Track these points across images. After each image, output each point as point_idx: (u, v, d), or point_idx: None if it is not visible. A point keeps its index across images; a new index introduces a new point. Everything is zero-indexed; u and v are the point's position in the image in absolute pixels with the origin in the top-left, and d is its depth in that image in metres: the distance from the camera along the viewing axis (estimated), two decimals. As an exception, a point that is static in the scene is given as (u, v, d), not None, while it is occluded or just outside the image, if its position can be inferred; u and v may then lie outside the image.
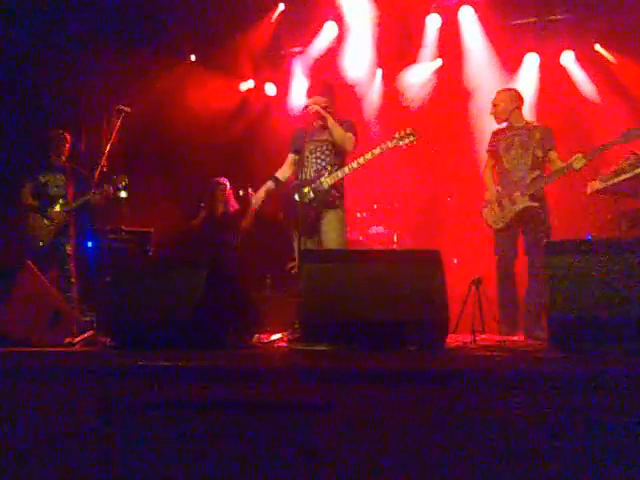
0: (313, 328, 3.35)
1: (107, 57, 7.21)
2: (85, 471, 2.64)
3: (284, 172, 4.89)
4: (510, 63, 7.26)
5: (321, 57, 7.72)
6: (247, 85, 8.16)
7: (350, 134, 4.67)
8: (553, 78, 7.22)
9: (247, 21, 7.49)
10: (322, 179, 4.57)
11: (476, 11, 7.19)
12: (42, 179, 5.58)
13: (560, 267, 3.15)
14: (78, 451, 2.67)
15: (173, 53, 7.74)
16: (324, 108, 4.66)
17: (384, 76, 7.84)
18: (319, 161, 4.65)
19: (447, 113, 7.34)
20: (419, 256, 3.57)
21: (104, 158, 5.60)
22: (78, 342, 4.01)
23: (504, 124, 4.86)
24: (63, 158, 5.76)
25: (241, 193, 6.61)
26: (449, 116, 7.32)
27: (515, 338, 4.35)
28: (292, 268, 5.39)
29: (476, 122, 7.10)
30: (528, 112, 7.06)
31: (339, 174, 4.59)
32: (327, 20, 7.53)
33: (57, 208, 5.45)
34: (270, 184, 4.83)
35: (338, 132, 4.59)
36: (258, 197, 4.83)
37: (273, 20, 7.58)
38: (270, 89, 8.20)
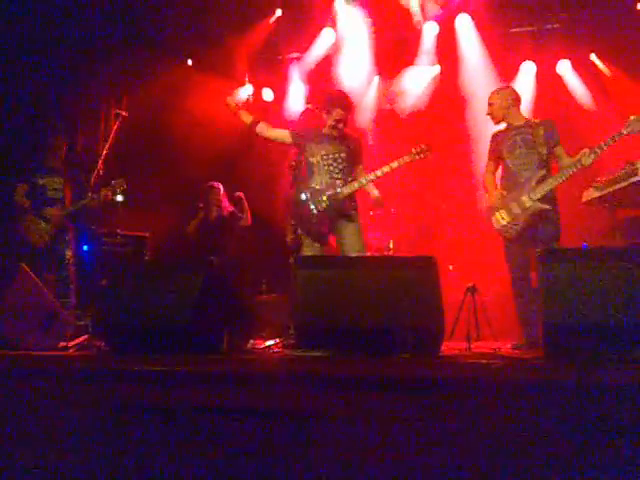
0: (308, 334, 3.35)
1: (104, 60, 7.22)
2: (77, 473, 2.63)
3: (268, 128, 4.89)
4: (507, 71, 7.28)
5: (319, 63, 7.73)
6: (247, 91, 8.16)
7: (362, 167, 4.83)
8: (549, 87, 7.25)
9: (244, 26, 7.50)
10: (339, 189, 4.60)
11: (473, 19, 7.23)
12: (40, 181, 5.49)
13: (555, 275, 3.16)
14: (70, 453, 2.66)
15: (170, 57, 7.74)
16: (339, 121, 4.65)
17: (381, 82, 7.86)
18: (332, 168, 4.65)
19: (444, 120, 7.36)
20: (415, 262, 3.57)
21: (101, 162, 5.60)
22: (73, 346, 4.00)
23: (503, 125, 4.68)
24: (60, 161, 5.67)
25: (241, 195, 6.64)
26: (445, 123, 7.34)
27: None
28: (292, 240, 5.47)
29: (472, 129, 7.13)
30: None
31: (356, 185, 4.63)
32: (325, 26, 7.55)
33: (53, 210, 5.37)
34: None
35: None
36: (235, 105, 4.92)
37: (270, 25, 7.60)
38: (267, 94, 8.21)
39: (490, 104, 4.69)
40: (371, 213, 6.78)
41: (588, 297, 3.06)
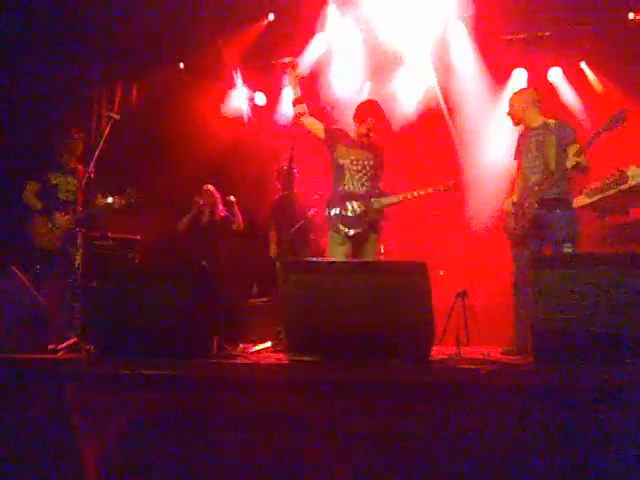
0: (298, 339, 3.34)
1: (96, 63, 7.22)
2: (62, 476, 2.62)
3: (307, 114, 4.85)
4: (499, 78, 7.31)
5: (311, 68, 7.74)
6: (241, 95, 8.15)
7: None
8: (541, 94, 7.28)
9: (237, 30, 7.50)
10: (374, 199, 4.67)
11: (466, 26, 7.25)
12: (53, 180, 5.35)
13: (546, 281, 3.17)
14: (56, 457, 2.64)
15: (162, 61, 7.74)
16: (370, 130, 4.70)
17: (373, 89, 7.87)
18: (360, 175, 4.69)
19: (435, 126, 7.38)
20: (405, 267, 3.56)
21: (92, 165, 5.57)
22: (62, 349, 3.97)
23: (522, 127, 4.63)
24: (75, 160, 5.54)
25: (232, 199, 6.64)
26: (437, 129, 7.37)
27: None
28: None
29: (463, 134, 7.17)
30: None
31: (393, 199, 4.74)
32: (317, 32, 7.56)
33: (64, 216, 5.20)
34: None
35: None
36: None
37: (263, 30, 7.60)
38: (260, 98, 8.21)
39: (510, 105, 4.68)
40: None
41: (578, 303, 3.07)
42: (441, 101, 7.46)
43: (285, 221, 5.94)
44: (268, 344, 4.39)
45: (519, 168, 4.65)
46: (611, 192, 4.57)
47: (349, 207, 4.65)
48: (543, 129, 4.47)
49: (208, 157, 7.38)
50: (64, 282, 5.20)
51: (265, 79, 8.09)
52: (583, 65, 7.27)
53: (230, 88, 8.11)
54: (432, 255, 6.40)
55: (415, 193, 4.72)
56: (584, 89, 7.20)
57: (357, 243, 4.70)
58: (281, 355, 3.79)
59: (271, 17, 7.59)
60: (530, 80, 7.32)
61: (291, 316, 3.40)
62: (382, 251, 6.78)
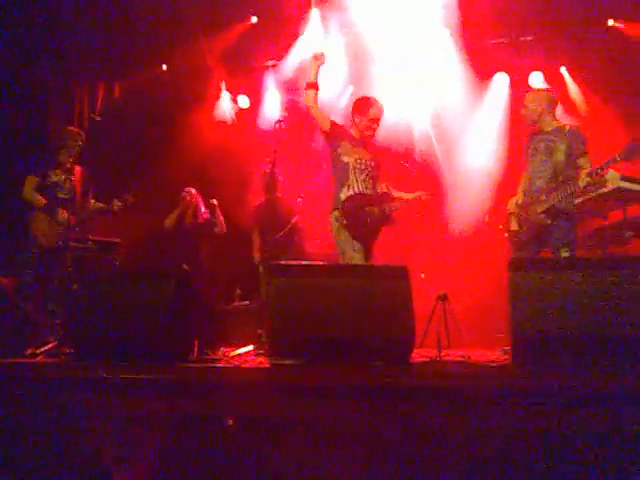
0: (280, 342, 3.34)
1: (78, 63, 7.18)
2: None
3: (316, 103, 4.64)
4: (481, 81, 7.36)
5: (294, 71, 7.74)
6: (225, 99, 8.13)
7: None
8: (522, 98, 7.33)
9: (220, 32, 7.49)
10: (392, 204, 4.65)
11: (450, 31, 7.26)
12: (53, 177, 5.27)
13: (523, 284, 3.20)
14: (35, 459, 2.62)
15: (145, 62, 7.71)
16: (373, 121, 4.67)
17: (355, 92, 7.88)
18: (364, 176, 4.63)
19: (413, 127, 7.40)
20: (387, 271, 3.59)
21: (74, 166, 5.51)
22: (41, 353, 3.93)
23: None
24: (72, 160, 5.45)
25: (214, 202, 6.62)
26: (419, 132, 7.39)
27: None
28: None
29: (442, 136, 7.20)
30: (497, 132, 7.21)
31: (397, 204, 4.71)
32: (300, 35, 7.56)
33: (67, 214, 5.12)
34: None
35: None
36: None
37: (246, 32, 7.59)
38: (243, 101, 8.19)
39: (525, 106, 4.61)
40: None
41: (555, 306, 3.10)
42: (424, 105, 7.48)
43: (269, 225, 5.93)
44: (250, 347, 4.38)
45: (525, 169, 4.63)
46: (590, 196, 4.62)
47: (368, 212, 4.56)
48: (555, 134, 4.42)
49: (190, 160, 7.34)
50: (58, 280, 5.10)
51: (248, 82, 8.08)
52: (563, 70, 7.34)
53: (213, 90, 8.09)
54: (413, 258, 6.41)
55: (410, 196, 4.72)
56: (564, 94, 7.26)
57: (370, 246, 4.69)
58: (263, 359, 3.79)
59: (254, 20, 7.58)
60: (512, 84, 7.39)
61: (273, 319, 3.40)
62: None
